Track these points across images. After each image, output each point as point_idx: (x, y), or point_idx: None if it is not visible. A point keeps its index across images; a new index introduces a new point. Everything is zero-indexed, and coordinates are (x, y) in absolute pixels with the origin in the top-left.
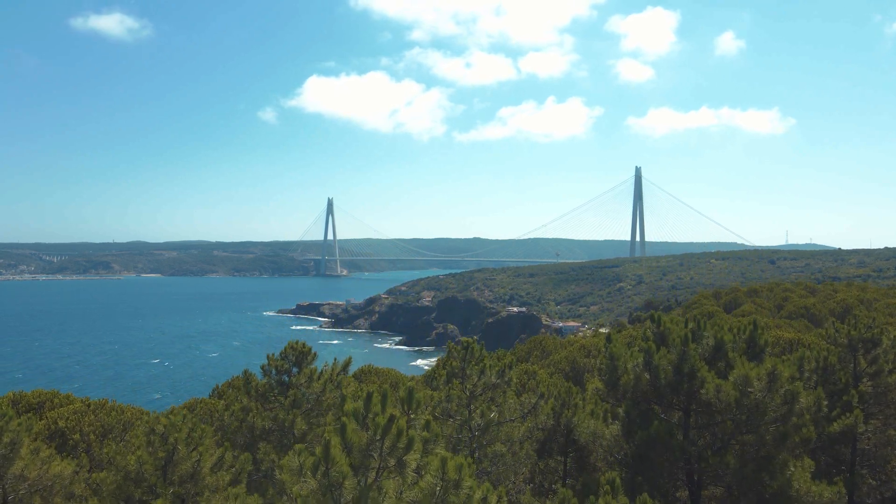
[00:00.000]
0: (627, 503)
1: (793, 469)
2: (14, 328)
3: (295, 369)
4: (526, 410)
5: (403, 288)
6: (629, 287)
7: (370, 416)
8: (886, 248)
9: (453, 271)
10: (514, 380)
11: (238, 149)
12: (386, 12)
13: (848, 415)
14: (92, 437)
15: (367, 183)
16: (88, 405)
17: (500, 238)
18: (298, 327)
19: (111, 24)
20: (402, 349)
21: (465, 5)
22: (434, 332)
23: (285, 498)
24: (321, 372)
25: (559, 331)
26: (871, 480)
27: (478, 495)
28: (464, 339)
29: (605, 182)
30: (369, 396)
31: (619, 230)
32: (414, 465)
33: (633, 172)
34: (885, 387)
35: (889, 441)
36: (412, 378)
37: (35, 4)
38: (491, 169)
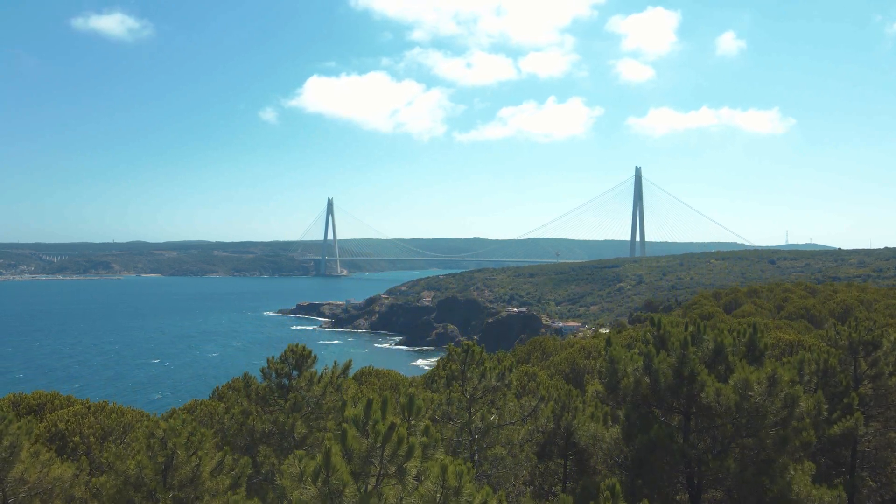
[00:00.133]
0: None
1: (793, 472)
2: (14, 328)
3: (295, 372)
4: (526, 413)
5: (403, 288)
6: (629, 287)
7: (370, 422)
8: (886, 248)
9: (453, 271)
10: (515, 382)
11: (238, 149)
12: (386, 12)
13: (848, 417)
14: (92, 439)
15: (367, 183)
16: (89, 407)
17: (500, 238)
18: (298, 327)
19: (112, 24)
20: (402, 349)
21: (465, 5)
22: (434, 332)
23: (285, 503)
24: (321, 375)
25: (559, 331)
26: (871, 483)
27: (477, 501)
28: (464, 341)
29: (605, 182)
30: (369, 403)
31: (619, 230)
32: (414, 472)
33: (633, 172)
34: (885, 389)
35: (889, 443)
36: (412, 379)
37: (36, 4)
38: (491, 169)
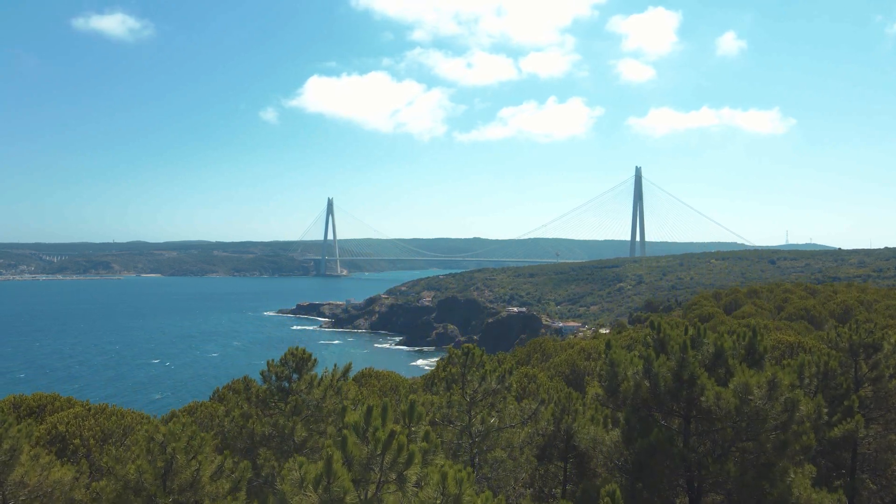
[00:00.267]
0: None
1: (793, 476)
2: (15, 328)
3: (295, 375)
4: (526, 416)
5: (403, 288)
6: (629, 287)
7: (371, 430)
8: (886, 248)
9: (453, 271)
10: (515, 385)
11: (238, 149)
12: (387, 12)
13: (849, 420)
14: (92, 442)
15: (368, 183)
16: (89, 409)
17: (500, 238)
18: (299, 327)
19: (113, 24)
20: (402, 349)
21: (466, 5)
22: (434, 332)
23: None
24: (321, 378)
25: (559, 331)
26: (871, 485)
27: None
28: (465, 345)
29: (605, 182)
30: (370, 410)
31: (619, 230)
32: (414, 479)
33: (633, 172)
34: (885, 392)
35: (890, 446)
36: (412, 381)
37: (36, 4)
38: (491, 169)
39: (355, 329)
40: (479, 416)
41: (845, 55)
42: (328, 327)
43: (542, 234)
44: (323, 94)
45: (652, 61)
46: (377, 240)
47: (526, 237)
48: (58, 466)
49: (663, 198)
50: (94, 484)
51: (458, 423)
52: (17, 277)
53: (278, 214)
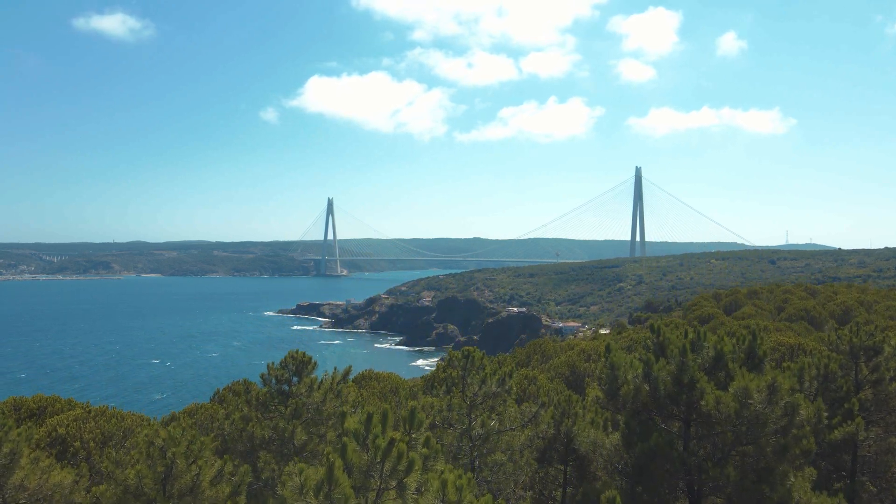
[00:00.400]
0: None
1: (793, 480)
2: (15, 328)
3: (295, 378)
4: (526, 419)
5: (403, 288)
6: (629, 287)
7: (371, 437)
8: (886, 248)
9: (453, 271)
10: (515, 387)
11: (239, 149)
12: (387, 12)
13: (849, 422)
14: (92, 444)
15: (368, 183)
16: (89, 411)
17: (500, 238)
18: (299, 327)
19: (113, 24)
20: (402, 349)
21: (466, 5)
22: (434, 333)
23: None
24: (321, 381)
25: (559, 331)
26: (871, 488)
27: None
28: (465, 347)
29: (605, 182)
30: (369, 417)
31: (619, 230)
32: (414, 486)
33: (633, 172)
34: (886, 394)
35: (890, 448)
36: (413, 382)
37: (37, 4)
38: (491, 169)
39: (355, 329)
40: (479, 419)
41: (845, 55)
42: (328, 327)
43: (542, 234)
44: (323, 94)
45: (652, 61)
46: (377, 240)
47: (526, 237)
48: (58, 470)
49: (663, 198)
50: (94, 488)
51: (459, 427)
52: (17, 277)
53: (278, 214)
